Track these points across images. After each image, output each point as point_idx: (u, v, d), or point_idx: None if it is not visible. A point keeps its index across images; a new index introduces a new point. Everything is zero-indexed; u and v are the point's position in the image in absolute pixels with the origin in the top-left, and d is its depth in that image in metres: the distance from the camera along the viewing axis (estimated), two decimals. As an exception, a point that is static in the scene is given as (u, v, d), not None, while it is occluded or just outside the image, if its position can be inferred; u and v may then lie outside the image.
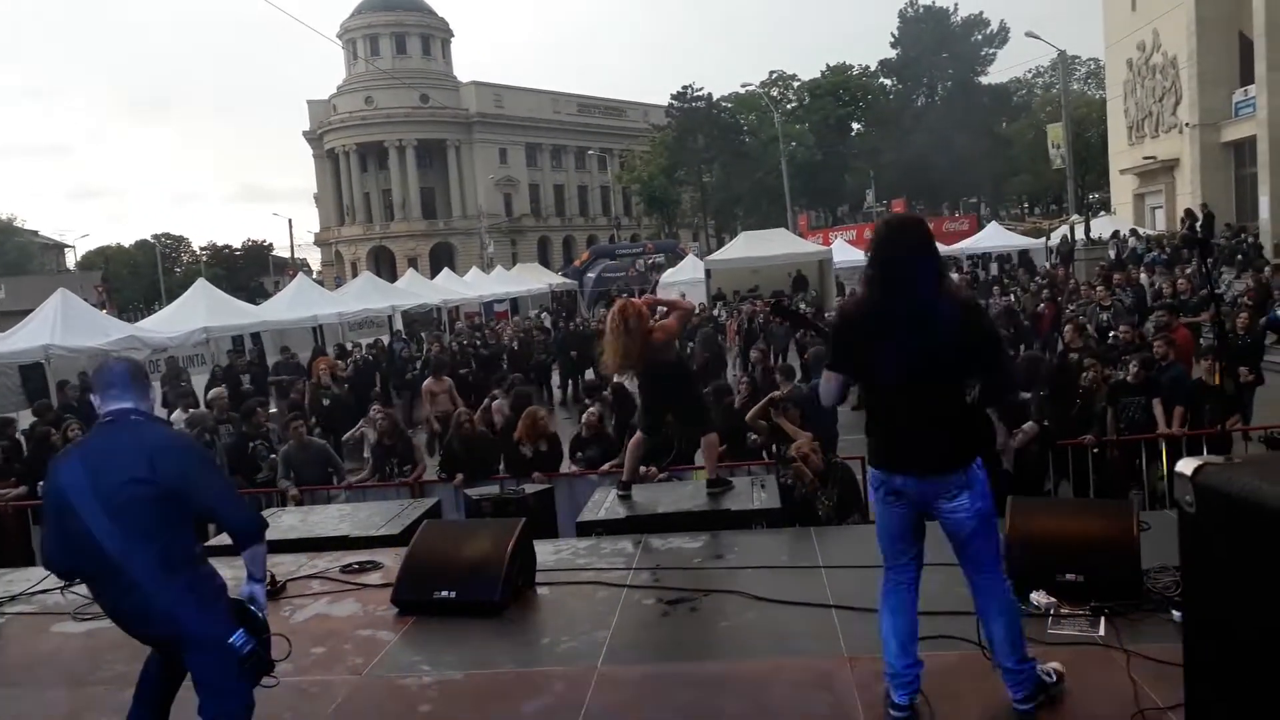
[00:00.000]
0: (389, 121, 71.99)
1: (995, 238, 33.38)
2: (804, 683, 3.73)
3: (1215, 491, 2.28)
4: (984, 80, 58.04)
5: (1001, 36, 57.00)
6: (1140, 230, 28.80)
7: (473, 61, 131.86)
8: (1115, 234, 27.62)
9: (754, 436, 8.08)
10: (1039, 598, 4.17)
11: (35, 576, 5.86)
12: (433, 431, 11.92)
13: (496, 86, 77.32)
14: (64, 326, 15.42)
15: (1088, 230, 28.22)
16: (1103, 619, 3.98)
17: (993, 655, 3.36)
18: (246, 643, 3.07)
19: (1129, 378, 8.06)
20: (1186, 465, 2.39)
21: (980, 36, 57.37)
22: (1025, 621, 3.92)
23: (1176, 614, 3.98)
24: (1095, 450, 7.56)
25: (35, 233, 65.53)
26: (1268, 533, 2.08)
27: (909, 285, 3.13)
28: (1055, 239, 31.24)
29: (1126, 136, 36.01)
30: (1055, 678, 3.42)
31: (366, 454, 10.28)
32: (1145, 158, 33.65)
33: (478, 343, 19.87)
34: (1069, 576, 4.22)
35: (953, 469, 3.18)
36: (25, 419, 12.60)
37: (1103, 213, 37.42)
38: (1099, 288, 15.64)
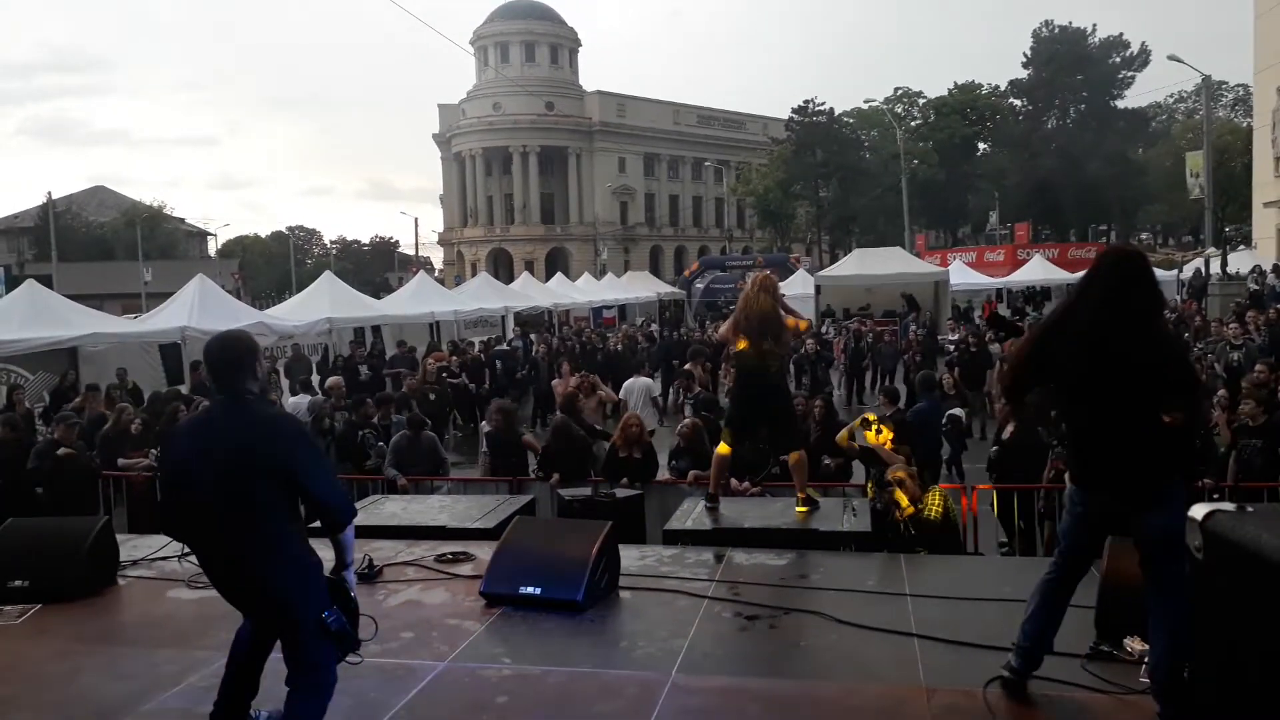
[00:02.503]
0: (515, 128, 73.79)
1: (1124, 267, 31.88)
2: (876, 710, 3.69)
3: (1221, 539, 2.33)
4: (1120, 104, 55.62)
5: (1142, 59, 54.51)
6: (1282, 266, 27.17)
7: (599, 70, 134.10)
8: (1255, 269, 26.11)
9: (828, 461, 8.00)
10: (1133, 644, 4.02)
11: (158, 543, 6.26)
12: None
13: (620, 96, 78.34)
14: (200, 310, 16.38)
15: (1224, 264, 26.71)
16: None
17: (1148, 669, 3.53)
18: (337, 620, 3.23)
19: (1248, 420, 7.66)
20: (1198, 511, 2.41)
21: (1119, 58, 54.96)
22: (1120, 668, 3.83)
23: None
24: (1215, 495, 7.21)
25: (182, 220, 69.54)
26: (1266, 582, 2.09)
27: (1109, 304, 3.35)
28: (1188, 272, 29.72)
29: (1273, 167, 33.98)
30: None
31: (484, 448, 10.59)
32: (1294, 190, 31.76)
33: (578, 347, 20.13)
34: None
35: (1145, 486, 3.35)
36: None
37: (1242, 247, 35.39)
38: (1232, 325, 14.81)
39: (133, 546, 6.09)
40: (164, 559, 5.88)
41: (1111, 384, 3.31)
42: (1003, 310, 30.49)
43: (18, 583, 5.10)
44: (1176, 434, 3.37)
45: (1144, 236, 66.89)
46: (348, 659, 3.35)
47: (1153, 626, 3.45)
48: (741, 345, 6.20)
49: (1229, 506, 2.39)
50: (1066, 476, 3.71)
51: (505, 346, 20.44)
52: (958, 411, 9.35)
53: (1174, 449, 3.38)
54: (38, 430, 12.37)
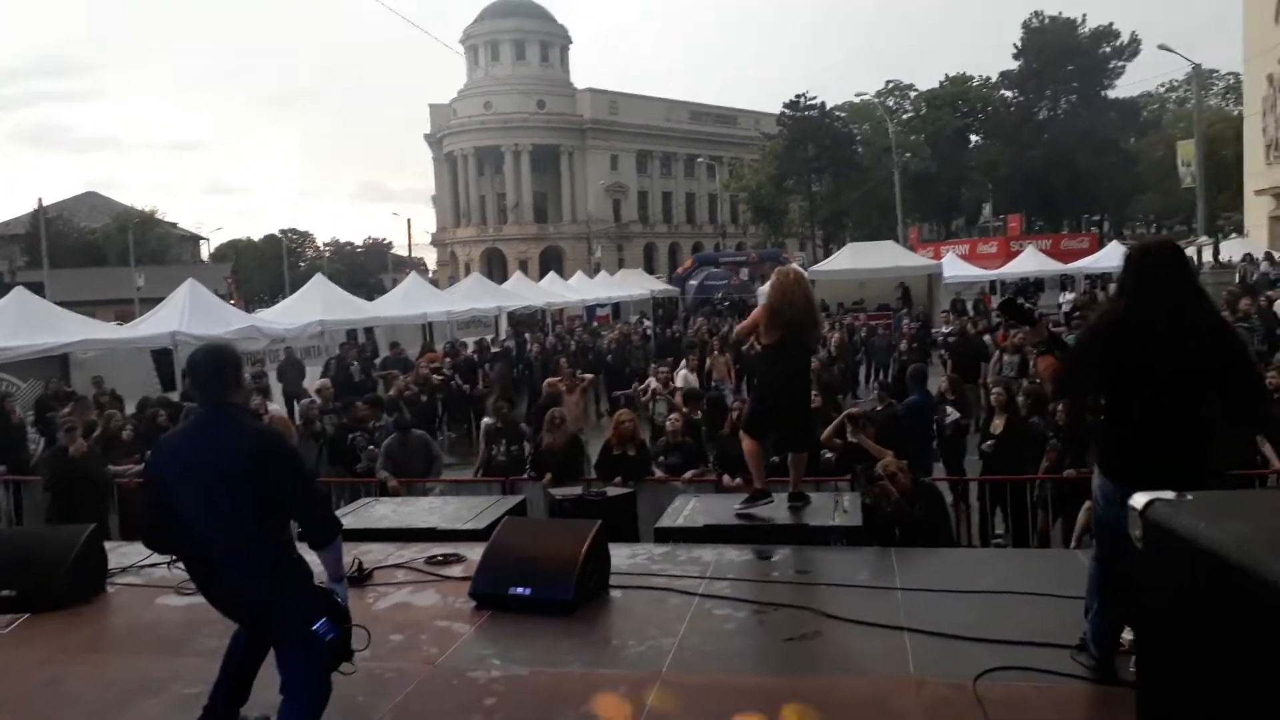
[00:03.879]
0: (506, 126, 73.74)
1: (1117, 258, 31.89)
2: (864, 702, 3.68)
3: (1159, 528, 2.30)
4: (1111, 94, 55.62)
5: (1132, 49, 54.50)
6: (1276, 254, 27.16)
7: (590, 68, 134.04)
8: (1246, 257, 26.13)
9: (828, 454, 7.98)
10: (1124, 635, 4.02)
11: (147, 550, 6.24)
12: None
13: (611, 94, 78.32)
14: (191, 314, 16.30)
15: (1216, 253, 26.73)
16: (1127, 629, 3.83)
17: None
18: (329, 631, 3.23)
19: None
20: (1139, 500, 2.40)
21: (1109, 48, 54.93)
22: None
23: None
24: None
25: (174, 225, 69.31)
26: (1202, 571, 2.07)
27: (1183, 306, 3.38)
28: (1182, 260, 29.70)
29: (1264, 155, 33.99)
30: None
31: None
32: (1285, 178, 31.79)
33: (571, 346, 20.09)
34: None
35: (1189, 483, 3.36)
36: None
37: (1234, 235, 35.41)
38: (1224, 314, 14.79)
39: (122, 554, 6.05)
40: (153, 565, 5.84)
41: (1178, 383, 3.34)
42: (995, 302, 30.55)
43: (5, 592, 5.08)
44: (1219, 431, 3.42)
45: (1139, 228, 67.02)
46: (340, 669, 3.37)
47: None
48: (774, 338, 5.92)
49: (1168, 495, 2.38)
50: (1096, 469, 3.67)
51: (498, 348, 20.40)
52: (962, 421, 9.28)
53: (1210, 444, 3.41)
54: (29, 439, 12.36)
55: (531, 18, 76.55)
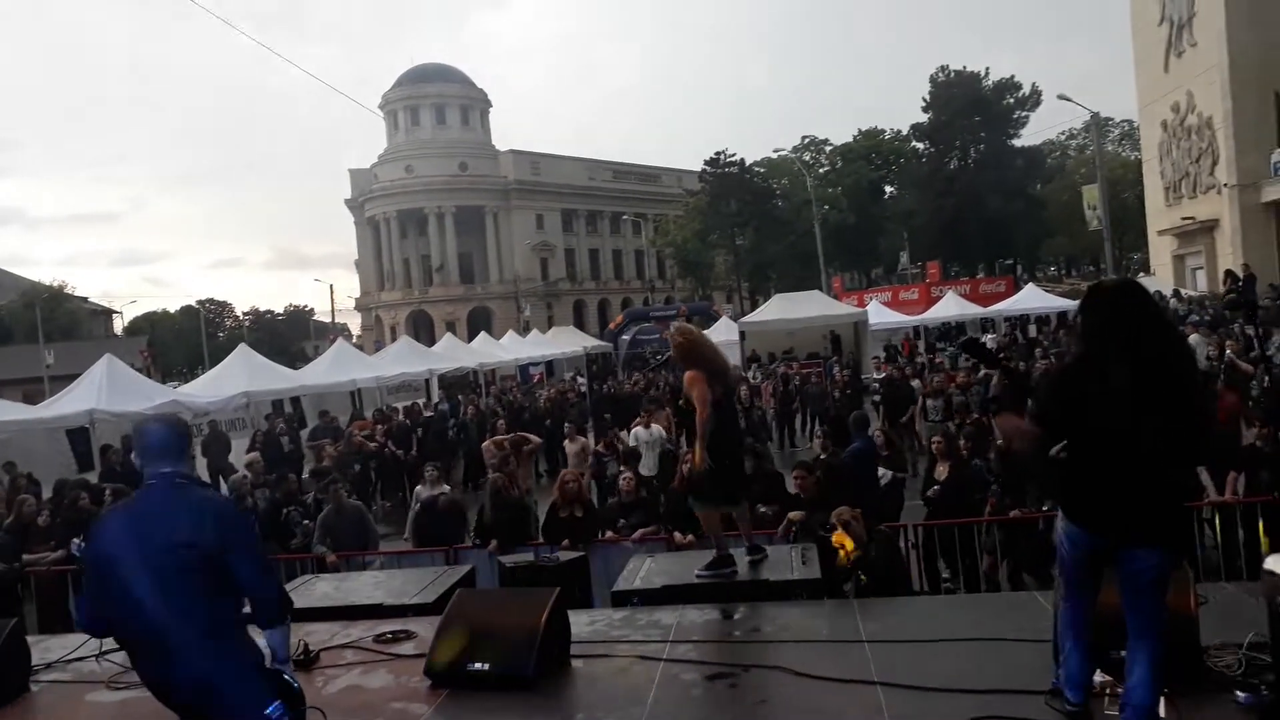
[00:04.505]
0: (428, 189, 73.55)
1: (1034, 299, 33.13)
2: (849, 765, 3.58)
3: None
4: (1017, 143, 58.08)
5: (1034, 99, 57.06)
6: (1182, 291, 28.40)
7: (510, 129, 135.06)
8: (1156, 294, 27.25)
9: (764, 509, 7.92)
10: (1097, 676, 4.00)
11: (72, 643, 5.85)
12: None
13: (533, 154, 78.90)
14: (109, 391, 15.71)
15: (1127, 292, 27.82)
16: (1162, 699, 3.79)
17: (1123, 695, 3.53)
18: (283, 715, 3.06)
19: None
20: (1276, 562, 2.36)
21: (1012, 100, 57.41)
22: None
23: (1241, 695, 3.80)
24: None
25: (84, 299, 67.22)
26: None
27: (1135, 345, 3.38)
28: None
29: (1164, 197, 35.73)
30: None
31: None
32: (1184, 219, 33.33)
33: (501, 408, 19.84)
34: (1123, 653, 4.05)
35: (1164, 525, 3.42)
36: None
37: (1142, 274, 36.98)
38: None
39: (45, 648, 5.68)
40: (79, 659, 5.49)
41: (1127, 425, 3.34)
42: (921, 347, 31.26)
43: (-84, 699, 4.69)
44: (1182, 475, 3.43)
45: (1050, 270, 69.61)
46: None
47: (1132, 652, 3.50)
48: (715, 395, 5.74)
49: None
50: (1059, 514, 3.66)
51: (431, 412, 20.05)
52: (898, 475, 9.29)
53: (1180, 491, 3.43)
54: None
55: (451, 82, 76.98)
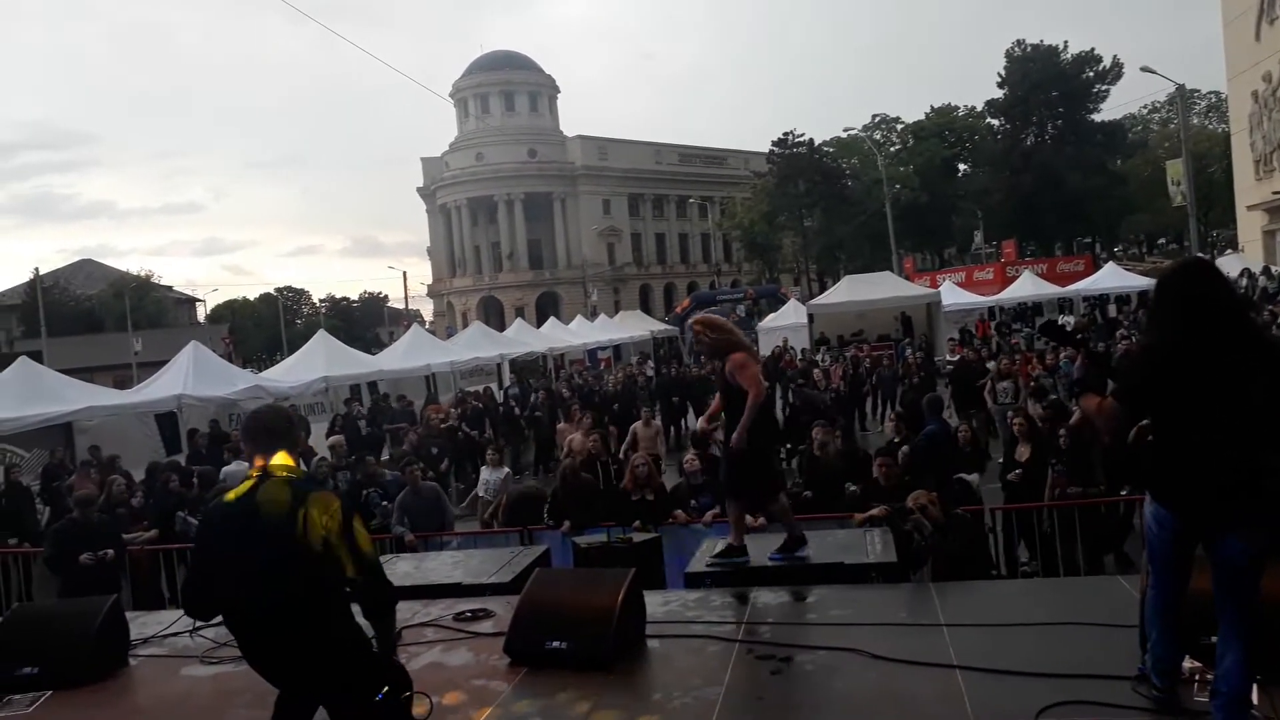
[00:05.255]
0: (498, 176, 74.36)
1: (1113, 279, 32.15)
2: (928, 748, 3.56)
3: None
4: (1096, 118, 56.23)
5: (1115, 72, 55.18)
6: (1272, 268, 27.27)
7: (576, 115, 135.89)
8: (1244, 272, 26.22)
9: (853, 487, 7.85)
10: (1187, 663, 3.90)
11: (167, 619, 6.11)
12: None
13: (601, 140, 79.10)
14: (195, 377, 16.26)
15: (1214, 269, 26.82)
16: (1255, 687, 3.69)
17: (1214, 681, 3.44)
18: (391, 700, 3.13)
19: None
20: None
21: (1092, 73, 55.63)
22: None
23: (1339, 684, 3.67)
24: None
25: (170, 288, 69.56)
26: None
27: (1221, 323, 3.31)
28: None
29: (1254, 171, 34.29)
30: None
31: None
32: (1275, 192, 31.96)
33: (571, 391, 19.99)
34: (1213, 639, 3.95)
35: (1257, 510, 3.31)
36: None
37: (1229, 251, 35.62)
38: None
39: (141, 624, 5.92)
40: (175, 635, 5.72)
41: (1214, 406, 3.27)
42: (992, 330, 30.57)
43: (27, 670, 4.94)
44: (1270, 452, 3.32)
45: (1131, 248, 67.40)
46: None
47: (1224, 639, 3.42)
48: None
49: None
50: (1148, 498, 3.59)
51: (503, 396, 20.34)
52: (970, 478, 9.05)
53: (1274, 474, 3.33)
54: (37, 510, 12.21)
55: (519, 69, 77.58)
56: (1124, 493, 7.60)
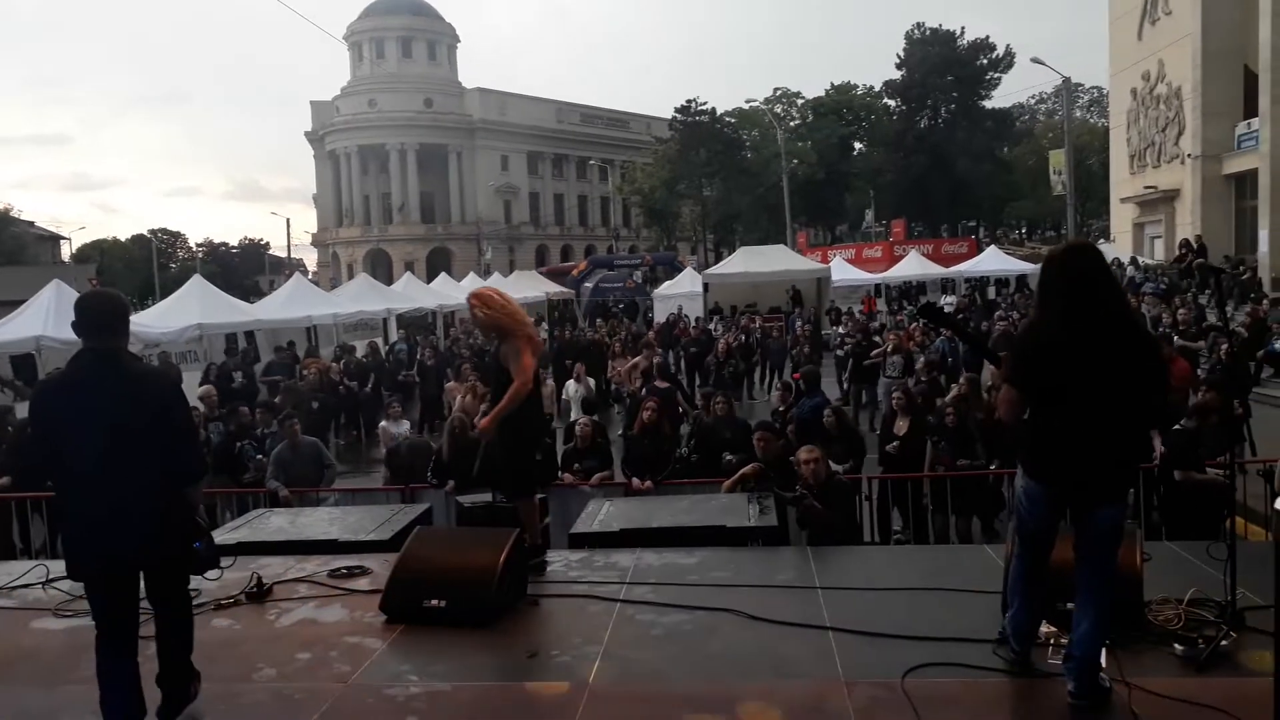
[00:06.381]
0: (391, 125, 72.07)
1: (994, 262, 33.43)
2: (799, 706, 3.64)
3: None
4: (987, 104, 58.22)
5: (1007, 61, 57.09)
6: (1140, 259, 28.84)
7: (478, 67, 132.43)
8: (1114, 261, 27.65)
9: (730, 457, 7.97)
10: (1044, 628, 4.10)
11: (16, 570, 5.77)
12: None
13: (501, 94, 77.49)
14: (57, 318, 15.26)
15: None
16: (1104, 650, 3.90)
17: (1069, 645, 3.63)
18: (207, 547, 3.71)
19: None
20: None
21: (985, 60, 57.44)
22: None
23: (1179, 648, 3.92)
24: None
25: (31, 224, 65.13)
26: None
27: (1095, 302, 3.43)
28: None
29: (1128, 165, 36.09)
30: (1108, 684, 3.59)
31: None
32: (1146, 187, 33.72)
33: (465, 350, 19.67)
34: (1069, 605, 4.16)
35: (1111, 482, 3.51)
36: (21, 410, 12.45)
37: (1102, 240, 37.46)
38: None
39: (-11, 575, 5.58)
40: (25, 586, 5.41)
41: (1093, 384, 3.39)
42: (881, 305, 31.48)
43: None
44: (1139, 429, 3.48)
45: (1013, 233, 70.27)
46: (206, 576, 4.12)
47: (1081, 605, 3.58)
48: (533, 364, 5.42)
49: None
50: (1020, 471, 3.71)
51: (388, 352, 19.85)
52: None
53: (1136, 444, 3.49)
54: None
55: (419, 15, 75.07)
56: (993, 466, 7.93)
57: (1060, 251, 3.68)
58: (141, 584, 3.60)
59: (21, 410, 12.25)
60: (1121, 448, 3.49)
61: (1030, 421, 3.58)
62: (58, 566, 5.76)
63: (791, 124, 58.25)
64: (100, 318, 3.49)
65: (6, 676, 4.28)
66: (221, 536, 5.90)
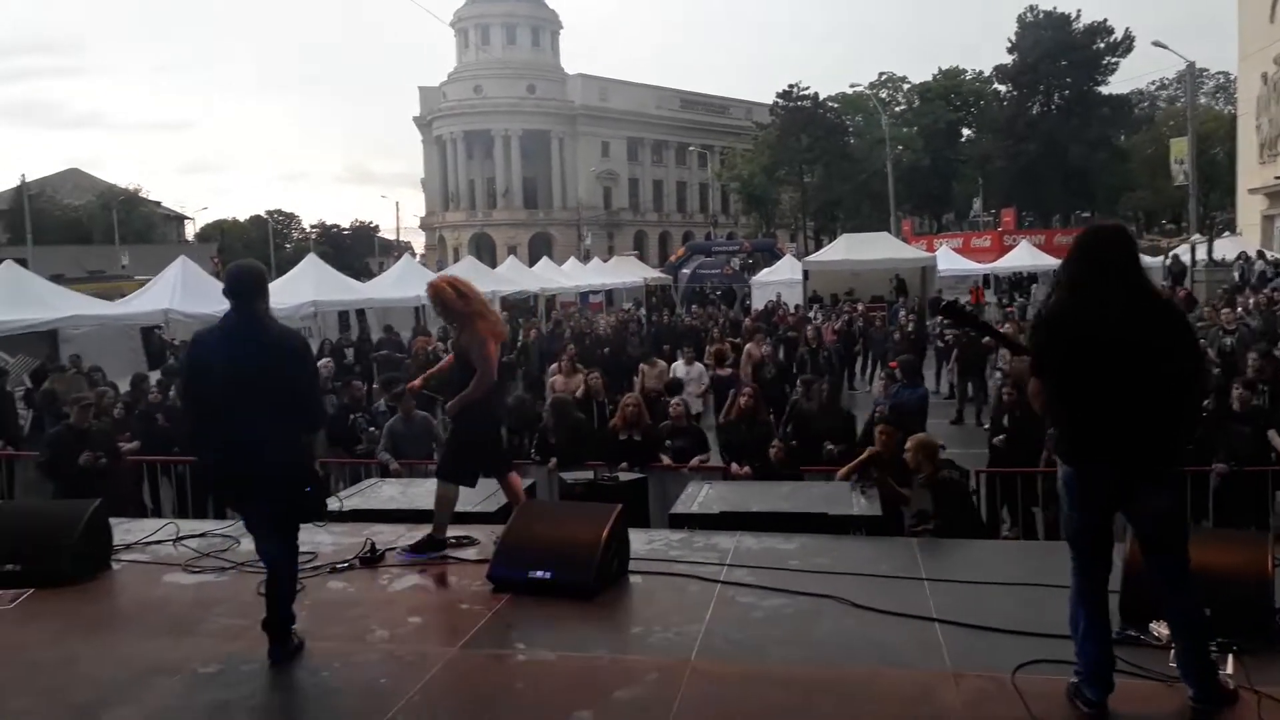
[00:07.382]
0: (496, 110, 73.28)
1: (1109, 253, 32.06)
2: (904, 695, 3.60)
3: None
4: (1104, 90, 55.68)
5: (1126, 45, 54.44)
6: (1268, 253, 27.31)
7: (580, 54, 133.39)
8: (1241, 255, 26.24)
9: (830, 447, 7.85)
10: (1159, 629, 3.94)
11: (149, 527, 6.11)
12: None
13: (602, 80, 77.94)
14: (184, 292, 16.10)
15: (1210, 251, 26.82)
16: (1230, 656, 3.74)
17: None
18: (317, 492, 4.20)
19: (1235, 405, 7.63)
20: None
21: (1103, 44, 54.87)
22: (1148, 652, 3.74)
23: (1312, 657, 3.73)
24: (1225, 478, 7.18)
25: (158, 204, 68.51)
26: None
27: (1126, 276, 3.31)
28: (1172, 258, 29.88)
29: (1257, 154, 34.17)
30: (1234, 688, 3.43)
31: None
32: (1277, 178, 31.89)
33: (566, 332, 19.91)
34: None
35: (1147, 460, 3.30)
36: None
37: (1227, 233, 35.60)
38: (1224, 310, 14.79)
39: (125, 530, 5.92)
40: (158, 543, 5.73)
41: (1121, 360, 3.24)
42: (989, 297, 30.58)
43: (9, 567, 4.94)
44: (1174, 404, 3.31)
45: (1130, 225, 67.28)
46: (315, 524, 4.79)
47: (1169, 615, 3.43)
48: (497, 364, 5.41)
49: None
50: (1059, 465, 3.53)
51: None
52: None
53: (1174, 421, 3.32)
54: (19, 414, 12.14)
55: (523, 1, 76.03)
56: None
57: (1086, 234, 3.53)
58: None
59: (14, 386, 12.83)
60: (1157, 423, 3.27)
61: (1061, 406, 3.42)
62: (188, 525, 6.12)
63: (897, 109, 56.93)
64: (245, 284, 4.04)
65: (142, 626, 4.55)
66: (336, 503, 6.14)
